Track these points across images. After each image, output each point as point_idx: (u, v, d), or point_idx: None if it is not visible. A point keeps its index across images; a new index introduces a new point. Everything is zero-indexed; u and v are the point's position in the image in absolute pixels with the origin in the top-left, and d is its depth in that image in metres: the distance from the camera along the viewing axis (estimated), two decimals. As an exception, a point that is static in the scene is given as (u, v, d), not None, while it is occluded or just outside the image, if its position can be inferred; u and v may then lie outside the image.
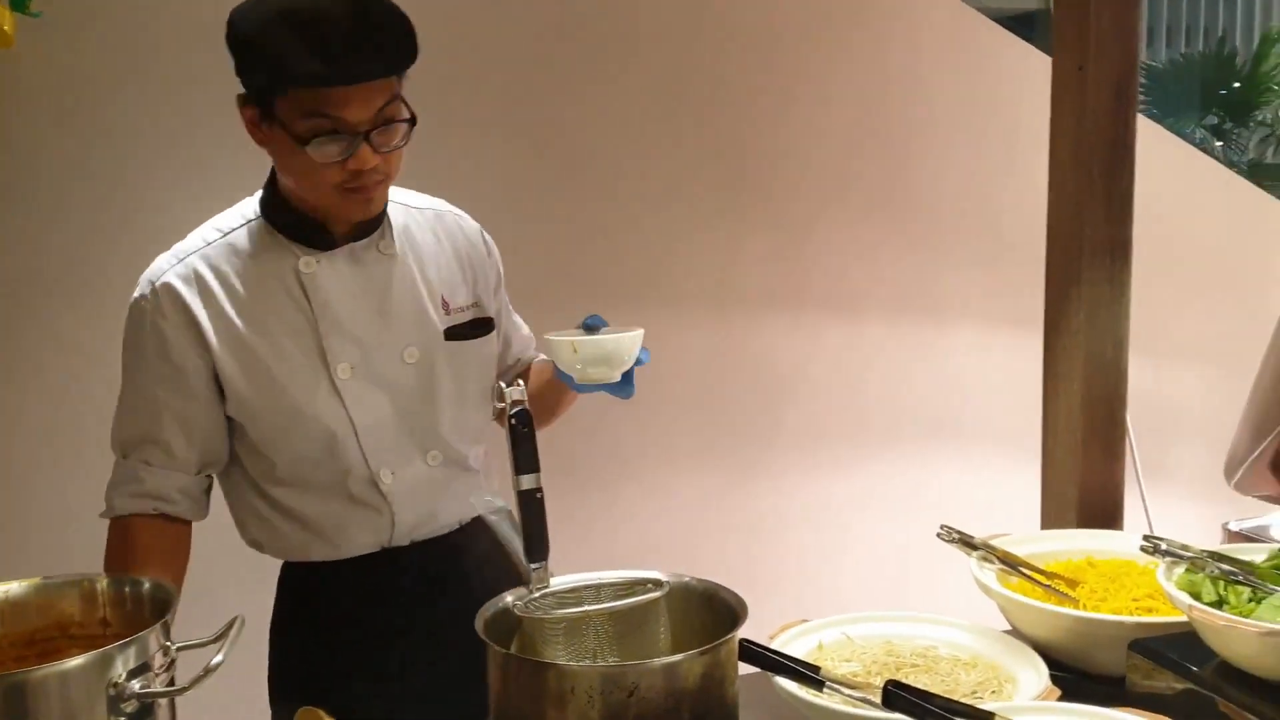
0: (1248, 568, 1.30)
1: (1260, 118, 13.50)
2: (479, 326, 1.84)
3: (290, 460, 1.70)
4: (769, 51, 2.98)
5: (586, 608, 1.27)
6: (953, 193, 3.30)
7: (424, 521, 1.76)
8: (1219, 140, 13.19)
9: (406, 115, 1.64)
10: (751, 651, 1.45)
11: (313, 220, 1.72)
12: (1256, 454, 1.90)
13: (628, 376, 1.71)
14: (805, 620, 1.64)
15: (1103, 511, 1.93)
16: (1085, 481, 1.90)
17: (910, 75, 3.21)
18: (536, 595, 1.34)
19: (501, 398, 1.40)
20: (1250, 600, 1.27)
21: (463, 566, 1.78)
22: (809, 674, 1.44)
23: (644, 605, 1.28)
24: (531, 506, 1.36)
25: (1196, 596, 1.28)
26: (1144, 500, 2.15)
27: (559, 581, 1.38)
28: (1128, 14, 1.91)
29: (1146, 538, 1.34)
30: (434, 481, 1.78)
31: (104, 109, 2.56)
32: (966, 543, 1.71)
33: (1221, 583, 1.29)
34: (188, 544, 1.73)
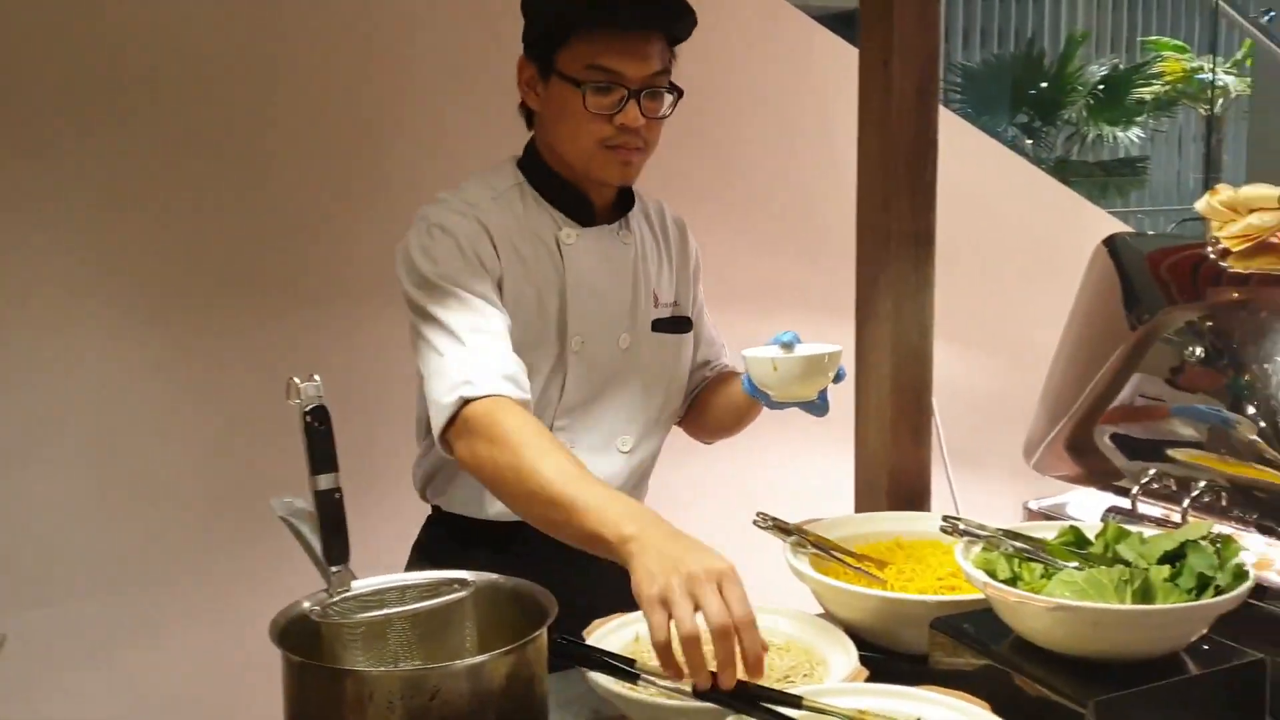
0: (1040, 545, 1.34)
1: (1066, 116, 14.19)
2: (680, 324, 1.93)
3: None
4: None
5: (386, 611, 1.23)
6: (774, 185, 3.36)
7: None
8: (1029, 138, 13.82)
9: (674, 88, 1.76)
10: (565, 647, 1.43)
11: (575, 189, 1.81)
12: (1052, 436, 1.97)
13: (823, 394, 1.75)
14: (623, 613, 1.63)
15: (911, 494, 1.97)
16: (895, 465, 1.94)
17: (731, 70, 3.25)
18: (337, 599, 1.30)
19: (297, 394, 1.34)
20: (1043, 576, 1.30)
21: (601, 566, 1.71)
22: (624, 667, 1.43)
23: (448, 606, 1.25)
24: (330, 507, 1.30)
25: (992, 574, 1.32)
26: (950, 482, 2.22)
27: (361, 584, 1.33)
28: (928, 10, 1.96)
29: (945, 518, 1.37)
30: (603, 467, 1.82)
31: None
32: (781, 529, 1.73)
33: (1016, 560, 1.33)
34: None
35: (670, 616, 1.26)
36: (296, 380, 1.34)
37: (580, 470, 1.52)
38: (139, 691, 2.62)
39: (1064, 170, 13.23)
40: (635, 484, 1.93)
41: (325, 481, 1.31)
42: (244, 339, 2.71)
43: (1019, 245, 3.77)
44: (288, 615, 1.26)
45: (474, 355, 1.64)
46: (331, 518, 1.30)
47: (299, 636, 1.24)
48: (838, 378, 1.75)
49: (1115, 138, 14.27)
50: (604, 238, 1.84)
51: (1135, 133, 14.49)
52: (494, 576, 1.35)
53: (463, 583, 1.29)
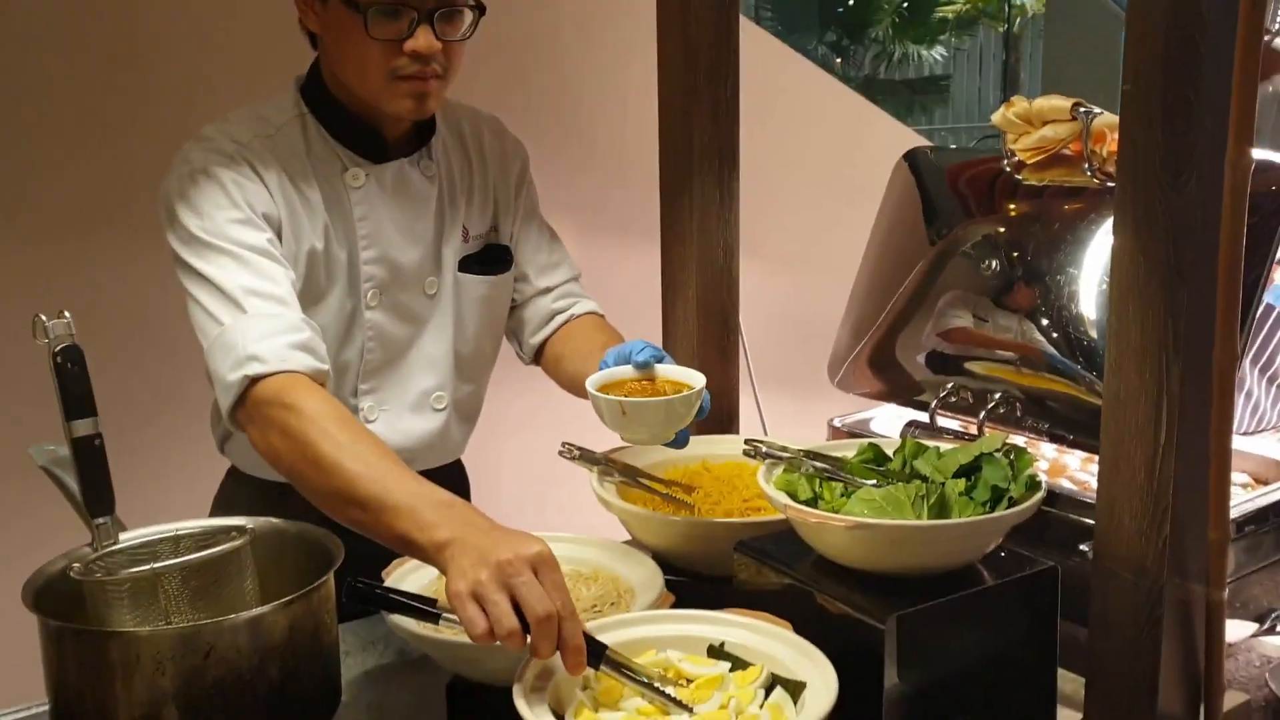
0: (840, 464, 1.34)
1: (873, 35, 14.47)
2: (495, 257, 1.77)
3: None
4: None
5: (154, 565, 1.13)
6: (573, 107, 3.27)
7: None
8: (838, 56, 14.05)
9: (475, 3, 1.56)
10: (362, 591, 1.36)
11: (363, 122, 1.62)
12: (855, 353, 1.98)
13: (683, 430, 1.55)
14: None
15: (720, 415, 1.95)
16: (703, 387, 1.92)
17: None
18: (103, 553, 1.19)
19: (45, 333, 1.22)
20: (843, 495, 1.30)
21: None
22: (424, 608, 1.37)
23: (223, 556, 1.16)
24: (89, 455, 1.20)
25: (793, 495, 1.30)
26: (758, 403, 2.22)
27: (130, 536, 1.23)
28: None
29: (748, 442, 1.36)
30: (424, 428, 1.74)
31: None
32: (588, 458, 1.68)
33: (817, 480, 1.32)
34: None
35: (485, 612, 1.17)
36: (43, 318, 1.21)
37: (386, 462, 1.37)
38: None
39: (871, 89, 13.52)
40: (457, 432, 1.84)
41: (82, 427, 1.20)
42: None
43: (826, 162, 3.80)
44: (44, 575, 1.16)
45: (257, 324, 1.47)
46: (92, 466, 1.20)
47: (58, 599, 1.14)
48: (700, 412, 1.56)
49: (920, 56, 14.65)
50: (400, 174, 1.68)
51: (939, 51, 14.90)
52: (276, 521, 1.27)
53: (240, 530, 1.20)
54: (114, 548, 1.18)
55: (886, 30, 14.31)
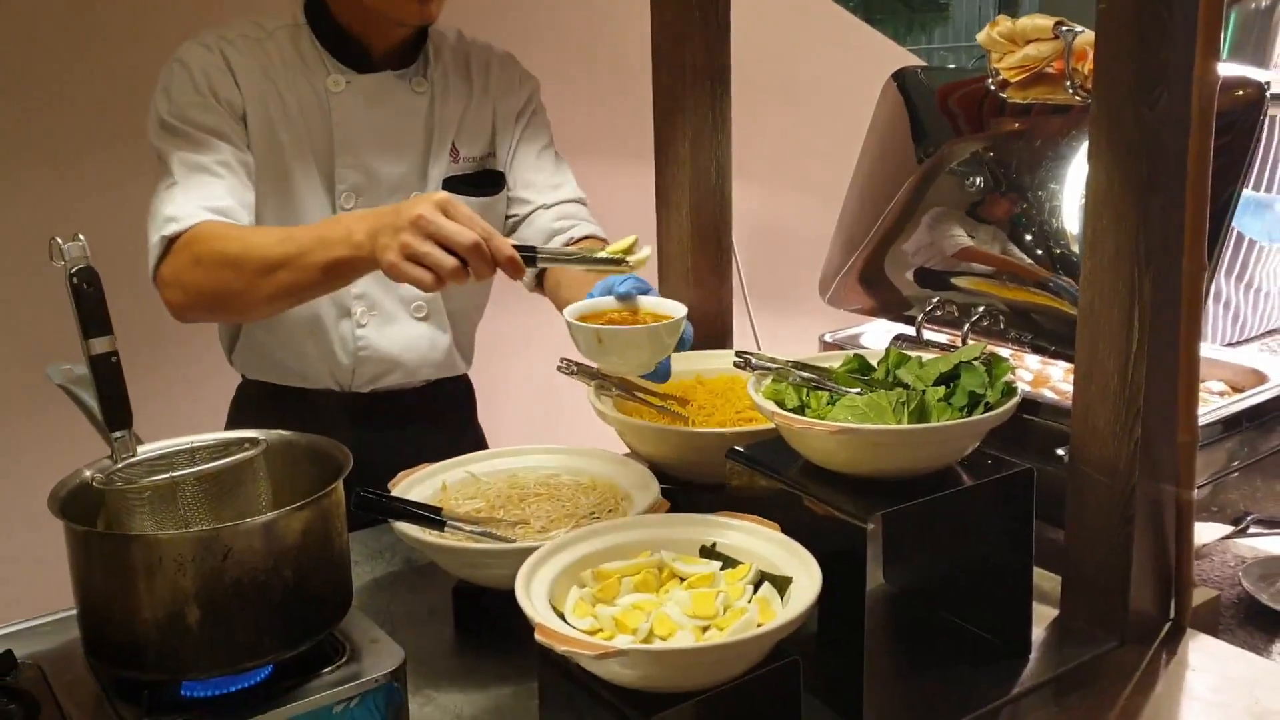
0: (826, 373, 1.39)
1: (874, -47, 14.24)
2: (485, 180, 1.84)
3: None
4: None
5: (173, 474, 1.19)
6: (569, 29, 3.27)
7: (386, 372, 1.82)
8: (837, -25, 13.86)
9: None
10: (370, 501, 1.43)
11: (352, 35, 1.71)
12: (845, 269, 2.03)
13: (664, 361, 1.55)
14: (427, 464, 1.63)
15: (714, 332, 2.01)
16: (697, 304, 1.97)
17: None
18: (122, 465, 1.25)
19: (61, 255, 1.27)
20: (828, 403, 1.35)
21: (417, 424, 1.82)
22: (430, 516, 1.44)
23: (238, 465, 1.22)
24: (107, 371, 1.25)
25: (781, 404, 1.36)
26: (751, 319, 2.27)
27: (148, 449, 1.29)
28: None
29: (738, 354, 1.41)
30: (409, 335, 1.82)
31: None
32: (586, 373, 1.74)
33: (804, 390, 1.38)
34: None
35: (426, 267, 1.33)
36: (59, 240, 1.26)
37: (284, 231, 1.52)
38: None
39: (870, 8, 13.35)
40: (442, 342, 1.90)
41: (99, 345, 1.25)
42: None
43: (819, 82, 3.80)
44: (68, 485, 1.22)
45: (184, 192, 1.58)
46: (109, 382, 1.25)
47: (82, 507, 1.20)
48: (682, 343, 1.54)
49: (920, -26, 14.44)
50: (385, 85, 1.75)
51: (939, -31, 14.69)
52: (287, 434, 1.33)
53: (254, 441, 1.26)
54: (132, 460, 1.24)
55: (887, -52, 14.11)
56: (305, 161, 1.71)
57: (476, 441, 2.00)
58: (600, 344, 1.45)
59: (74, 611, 1.20)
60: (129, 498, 1.17)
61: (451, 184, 1.81)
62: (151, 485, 1.18)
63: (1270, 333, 2.58)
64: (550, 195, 1.90)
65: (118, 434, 1.26)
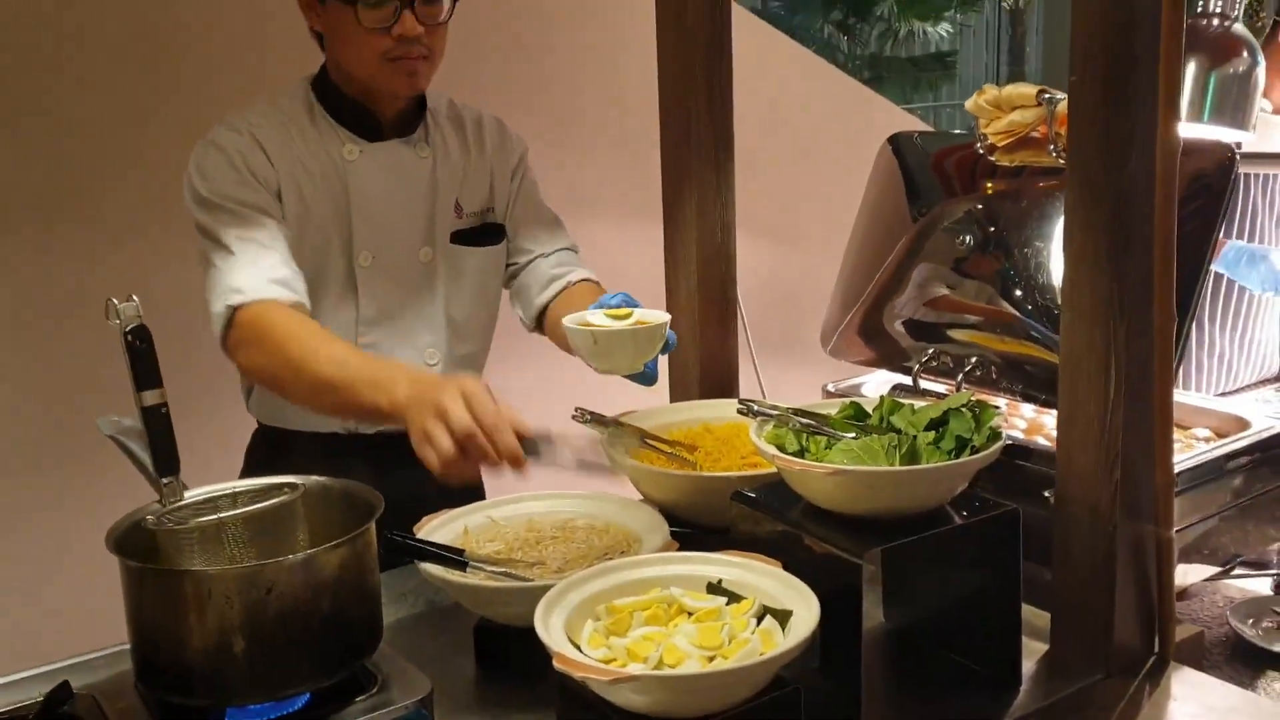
0: (824, 419, 1.48)
1: (879, 13, 14.50)
2: (487, 233, 1.97)
3: None
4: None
5: (219, 515, 1.29)
6: (583, 92, 3.41)
7: None
8: (844, 34, 14.08)
9: None
10: (398, 543, 1.52)
11: (362, 106, 1.85)
12: (845, 322, 2.13)
13: (650, 364, 1.76)
14: (449, 509, 1.72)
15: (720, 382, 2.11)
16: (704, 356, 2.07)
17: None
18: (171, 509, 1.35)
19: (117, 314, 1.38)
20: (826, 447, 1.45)
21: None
22: (453, 557, 1.53)
23: (279, 507, 1.32)
24: (157, 422, 1.35)
25: (781, 448, 1.45)
26: (756, 369, 2.37)
27: (194, 494, 1.39)
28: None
29: (742, 401, 1.50)
30: None
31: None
32: (599, 421, 1.83)
33: (804, 435, 1.47)
34: None
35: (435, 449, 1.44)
36: (115, 301, 1.37)
37: (349, 352, 1.64)
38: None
39: (877, 66, 13.57)
40: None
41: (151, 398, 1.36)
42: (50, 265, 2.67)
43: (821, 143, 3.94)
44: (123, 525, 1.31)
45: (241, 263, 1.71)
46: (160, 432, 1.35)
47: (136, 546, 1.30)
48: (666, 347, 1.75)
49: (925, 33, 14.67)
50: (394, 152, 1.89)
51: (944, 28, 14.92)
52: (323, 479, 1.43)
53: (292, 486, 1.36)
54: (180, 503, 1.34)
55: (891, 8, 14.34)
56: (327, 225, 1.85)
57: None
58: (595, 344, 1.65)
59: (124, 646, 1.30)
60: (179, 537, 1.27)
61: (457, 237, 1.94)
62: (200, 525, 1.27)
63: (1262, 382, 2.66)
64: (548, 245, 2.07)
65: (166, 479, 1.36)
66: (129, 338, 1.35)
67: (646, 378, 1.77)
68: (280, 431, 1.98)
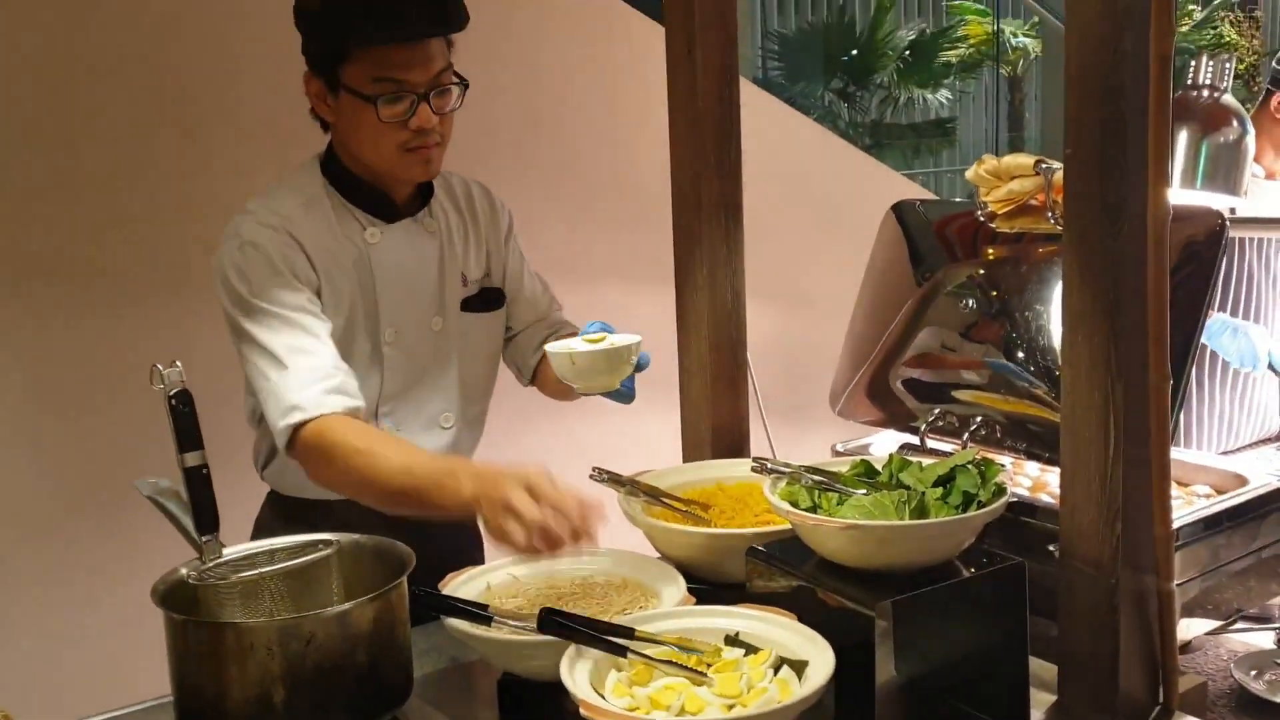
0: (835, 476, 1.55)
1: (879, 80, 14.71)
2: (489, 298, 2.04)
3: None
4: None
5: (259, 570, 1.35)
6: (597, 164, 3.52)
7: None
8: (845, 102, 14.28)
9: (459, 80, 1.85)
10: (424, 599, 1.58)
11: (377, 190, 1.89)
12: (853, 384, 2.20)
13: (627, 383, 1.87)
14: (473, 566, 1.77)
15: (732, 442, 2.17)
16: (716, 417, 2.13)
17: (543, 51, 3.38)
18: (211, 565, 1.41)
19: (161, 379, 1.44)
20: (838, 504, 1.51)
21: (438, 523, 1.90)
22: (478, 612, 1.58)
23: (315, 563, 1.38)
24: (198, 482, 1.42)
25: (794, 504, 1.51)
26: (767, 430, 2.42)
27: (232, 551, 1.45)
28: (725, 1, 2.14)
29: (756, 459, 1.57)
30: (434, 446, 1.96)
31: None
32: (615, 480, 1.89)
33: (816, 491, 1.53)
34: None
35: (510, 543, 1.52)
36: (160, 367, 1.44)
37: (412, 457, 1.71)
38: (21, 677, 2.64)
39: (878, 133, 13.75)
40: (467, 445, 2.07)
41: (192, 459, 1.42)
42: (77, 332, 2.74)
43: (828, 209, 4.04)
44: (167, 581, 1.37)
45: (297, 377, 1.75)
46: (200, 491, 1.42)
47: (178, 601, 1.35)
48: (640, 366, 1.87)
49: (925, 100, 14.87)
50: (409, 231, 1.94)
51: (944, 94, 15.13)
52: (356, 536, 1.49)
53: (327, 542, 1.42)
54: (219, 560, 1.40)
55: (891, 76, 14.55)
56: (355, 306, 1.91)
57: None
58: (573, 364, 1.79)
59: (164, 699, 1.35)
60: (220, 592, 1.33)
61: (465, 305, 2.02)
62: (241, 580, 1.33)
63: (1263, 441, 2.71)
64: (540, 309, 2.17)
65: (206, 537, 1.42)
66: (173, 401, 1.42)
67: (624, 395, 1.89)
68: (294, 500, 2.02)
